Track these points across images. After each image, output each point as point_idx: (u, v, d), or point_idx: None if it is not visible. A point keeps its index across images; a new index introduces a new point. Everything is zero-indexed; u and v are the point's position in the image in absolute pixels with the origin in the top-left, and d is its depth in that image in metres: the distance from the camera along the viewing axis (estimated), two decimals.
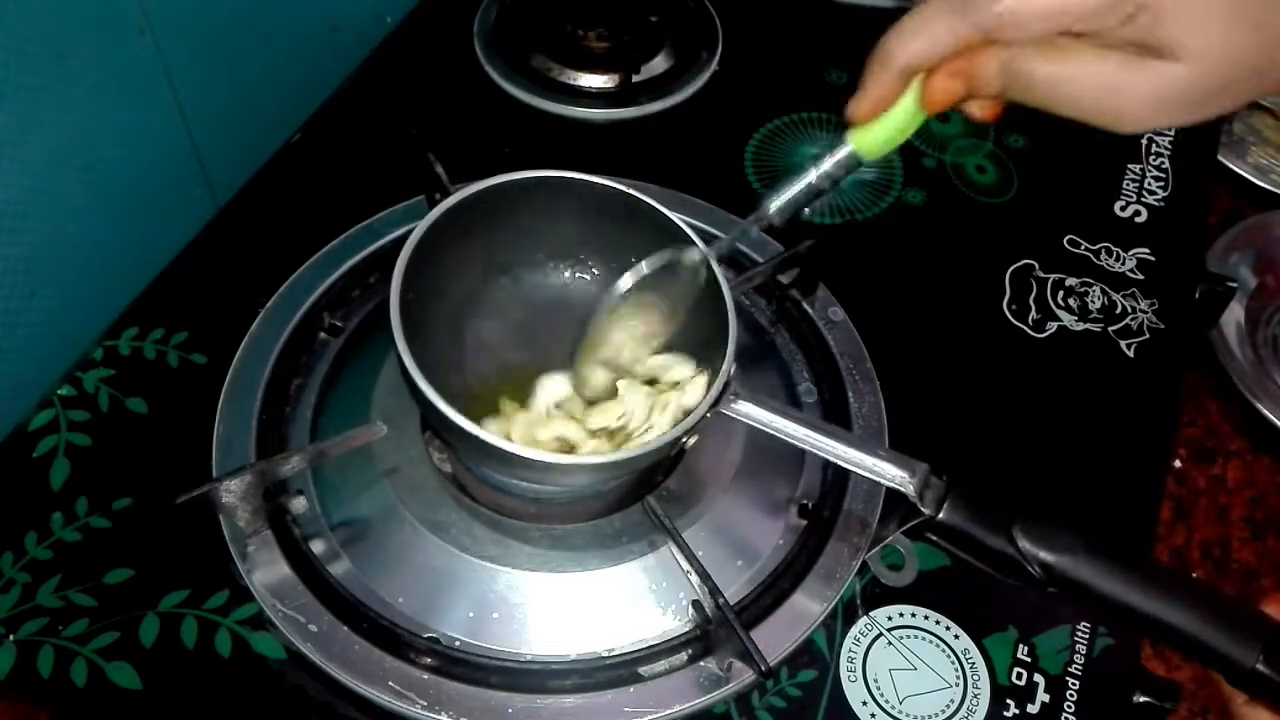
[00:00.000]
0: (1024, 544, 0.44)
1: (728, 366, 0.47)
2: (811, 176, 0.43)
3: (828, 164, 0.42)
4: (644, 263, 0.48)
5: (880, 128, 0.39)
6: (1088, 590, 0.44)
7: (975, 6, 0.34)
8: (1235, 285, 0.70)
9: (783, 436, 0.48)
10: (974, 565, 0.46)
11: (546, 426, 0.50)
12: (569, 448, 0.49)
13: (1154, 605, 0.43)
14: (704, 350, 0.51)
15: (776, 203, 0.44)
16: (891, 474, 0.47)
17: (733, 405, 0.48)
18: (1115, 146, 0.79)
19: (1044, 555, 0.44)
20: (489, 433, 0.43)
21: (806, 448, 0.48)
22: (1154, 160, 0.78)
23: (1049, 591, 0.44)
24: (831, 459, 0.48)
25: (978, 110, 0.38)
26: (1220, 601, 0.44)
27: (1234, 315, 0.72)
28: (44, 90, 0.53)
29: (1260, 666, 0.41)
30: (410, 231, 0.48)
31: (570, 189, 0.52)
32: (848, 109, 0.39)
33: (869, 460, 0.47)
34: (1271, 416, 0.66)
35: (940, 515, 0.46)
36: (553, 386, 0.52)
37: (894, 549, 0.54)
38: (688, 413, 0.47)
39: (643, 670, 0.49)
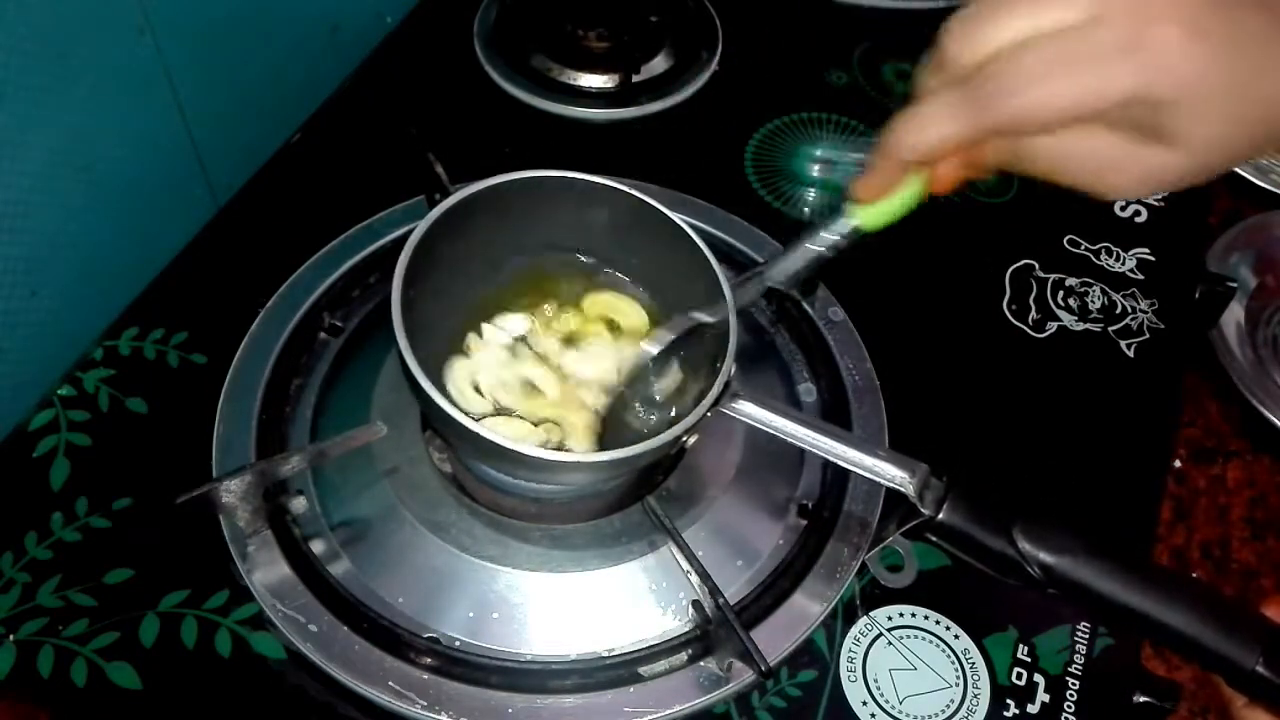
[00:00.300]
0: (1024, 545, 0.44)
1: (728, 366, 0.47)
2: (816, 247, 0.44)
3: (831, 236, 0.44)
4: (668, 329, 0.49)
5: (884, 207, 0.41)
6: (1087, 591, 0.44)
7: (989, 107, 0.34)
8: (1235, 285, 0.70)
9: (783, 436, 0.48)
10: (974, 566, 0.46)
11: (512, 366, 0.50)
12: (536, 394, 0.51)
13: (1154, 607, 0.43)
14: (704, 350, 0.51)
15: (780, 272, 0.46)
16: (891, 474, 0.47)
17: (733, 404, 0.48)
18: None
19: (1044, 556, 0.44)
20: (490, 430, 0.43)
21: (807, 447, 0.48)
22: None
23: (1049, 592, 0.44)
24: (831, 459, 0.48)
25: (975, 176, 0.40)
26: (1220, 603, 0.44)
27: (1234, 315, 0.72)
28: (44, 90, 0.53)
29: (1260, 669, 0.41)
30: (410, 231, 0.48)
31: (570, 189, 0.52)
32: (854, 189, 0.41)
33: (869, 460, 0.47)
34: (1271, 416, 0.66)
35: (940, 516, 0.46)
36: (513, 322, 0.52)
37: (894, 549, 0.54)
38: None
39: (643, 670, 0.49)
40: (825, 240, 0.44)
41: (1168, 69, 0.31)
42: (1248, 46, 0.32)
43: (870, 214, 0.41)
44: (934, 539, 0.47)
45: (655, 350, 0.48)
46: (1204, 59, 0.31)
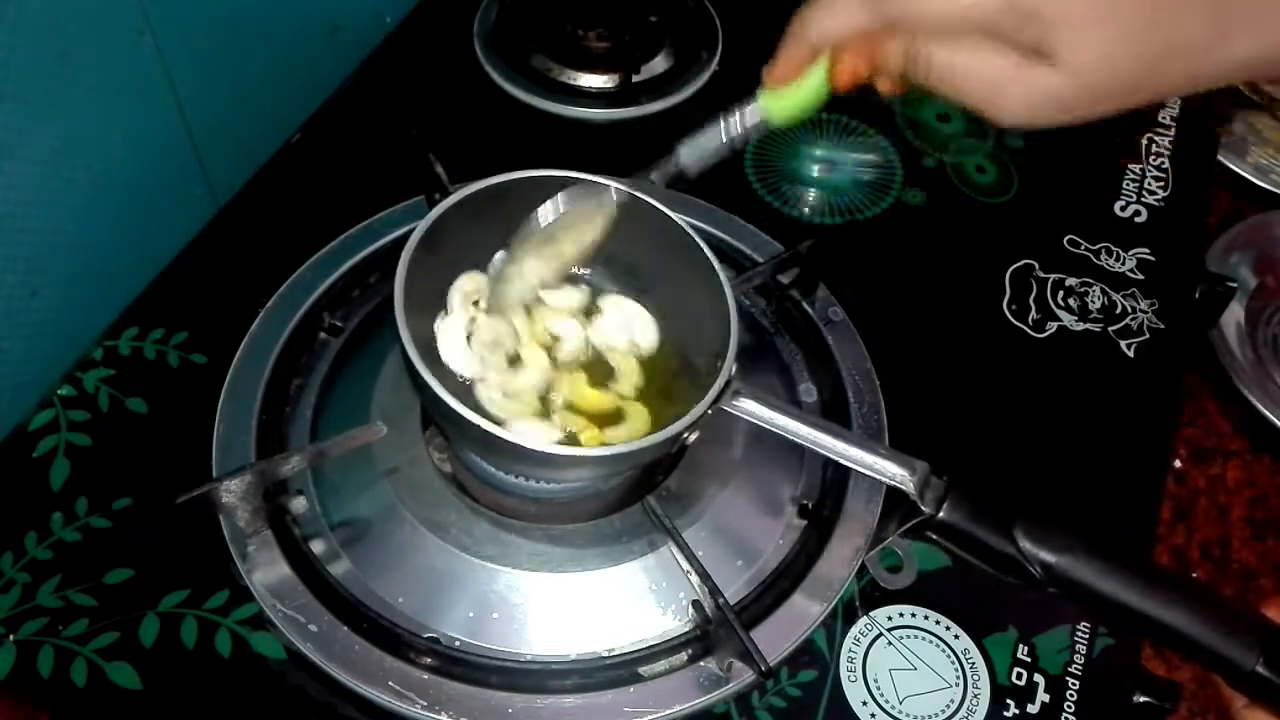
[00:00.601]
0: (1024, 543, 0.44)
1: (729, 365, 0.47)
2: (724, 133, 0.46)
3: (738, 123, 0.45)
4: (560, 198, 0.50)
5: (790, 96, 0.43)
6: (1087, 590, 0.44)
7: None
8: (1235, 285, 0.70)
9: (784, 434, 0.48)
10: (974, 565, 0.46)
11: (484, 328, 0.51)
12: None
13: (1154, 606, 0.43)
14: (705, 349, 0.51)
15: (688, 154, 0.47)
16: (892, 472, 0.47)
17: (735, 402, 0.48)
18: (1115, 146, 0.79)
19: (1044, 555, 0.44)
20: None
21: (808, 445, 0.48)
22: (1154, 160, 0.78)
23: (1049, 591, 0.44)
24: (833, 457, 0.48)
25: (883, 87, 0.41)
26: (1220, 603, 0.44)
27: (1234, 315, 0.72)
28: (44, 90, 0.53)
29: (1260, 669, 0.41)
30: (410, 231, 0.48)
31: (570, 189, 0.52)
32: (764, 72, 0.43)
33: (869, 458, 0.47)
34: (1271, 416, 0.66)
35: (940, 514, 0.46)
36: (466, 282, 0.53)
37: (893, 550, 0.54)
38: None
39: (643, 670, 0.49)
40: (733, 125, 0.45)
41: None
42: None
43: (777, 105, 0.43)
44: (934, 537, 0.47)
45: (546, 220, 0.50)
46: None
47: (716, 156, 0.46)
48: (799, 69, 0.42)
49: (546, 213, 0.50)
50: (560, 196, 0.50)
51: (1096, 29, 0.34)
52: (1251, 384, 0.68)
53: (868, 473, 0.48)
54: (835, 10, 0.39)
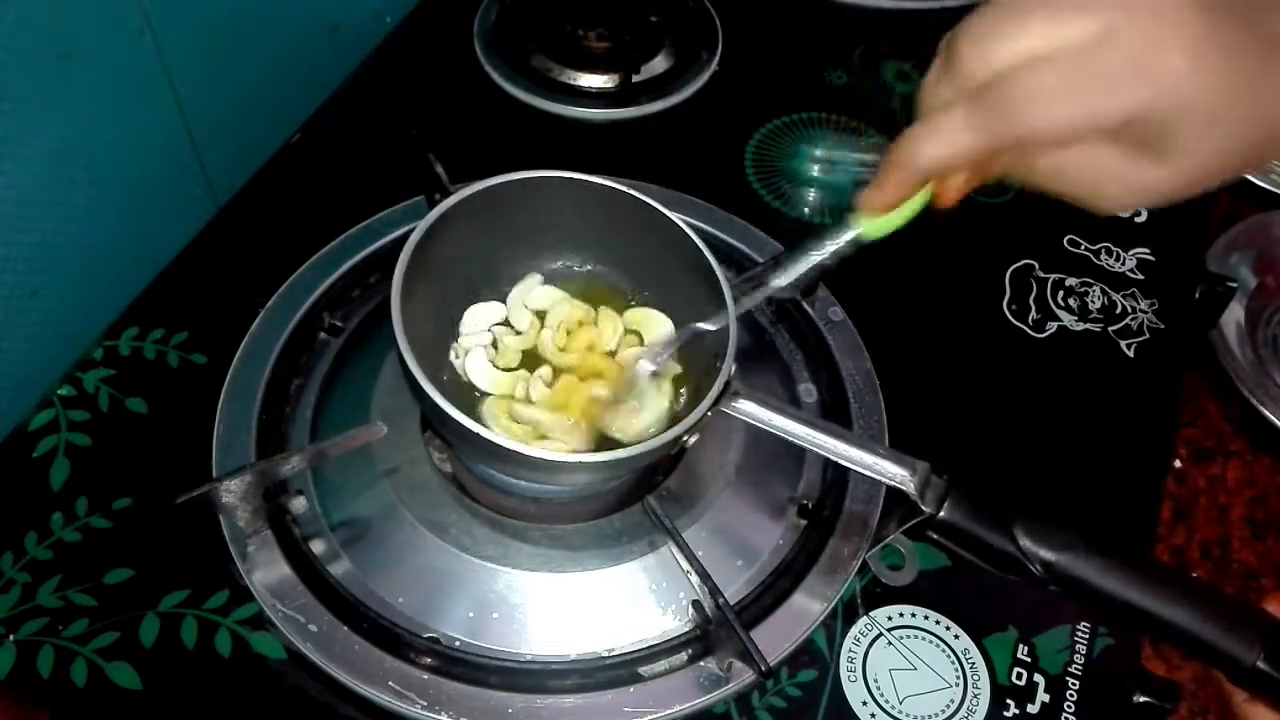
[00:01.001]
0: (1025, 542, 0.44)
1: (728, 365, 0.47)
2: (818, 255, 0.44)
3: (833, 244, 0.43)
4: (663, 346, 0.50)
5: (888, 220, 0.41)
6: (1088, 588, 0.44)
7: (1005, 122, 0.34)
8: (1235, 285, 0.70)
9: (784, 435, 0.48)
10: (975, 564, 0.46)
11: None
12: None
13: (1154, 602, 0.43)
14: (705, 350, 0.51)
15: (782, 279, 0.46)
16: (892, 472, 0.47)
17: (734, 404, 0.48)
18: None
19: (1044, 553, 0.44)
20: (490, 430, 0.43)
21: (808, 446, 0.48)
22: None
23: (1049, 589, 0.44)
24: (833, 457, 0.48)
25: (971, 186, 0.40)
26: (1221, 599, 0.44)
27: (1234, 315, 0.72)
28: (44, 90, 0.53)
29: (1261, 664, 0.41)
30: (410, 231, 0.48)
31: (570, 189, 0.52)
32: (862, 201, 0.41)
33: (870, 459, 0.47)
34: (1271, 416, 0.66)
35: (941, 513, 0.46)
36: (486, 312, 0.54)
37: (894, 549, 0.54)
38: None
39: (643, 670, 0.49)
40: (827, 248, 0.44)
41: (1173, 90, 0.32)
42: (1244, 72, 0.33)
43: (874, 224, 0.42)
44: (935, 536, 0.47)
45: (653, 368, 0.49)
46: (1206, 83, 0.32)
47: (808, 279, 0.46)
48: (905, 199, 0.40)
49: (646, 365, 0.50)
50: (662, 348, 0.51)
51: (1215, 128, 0.33)
52: (1251, 384, 0.68)
53: (868, 473, 0.48)
54: (944, 138, 0.36)
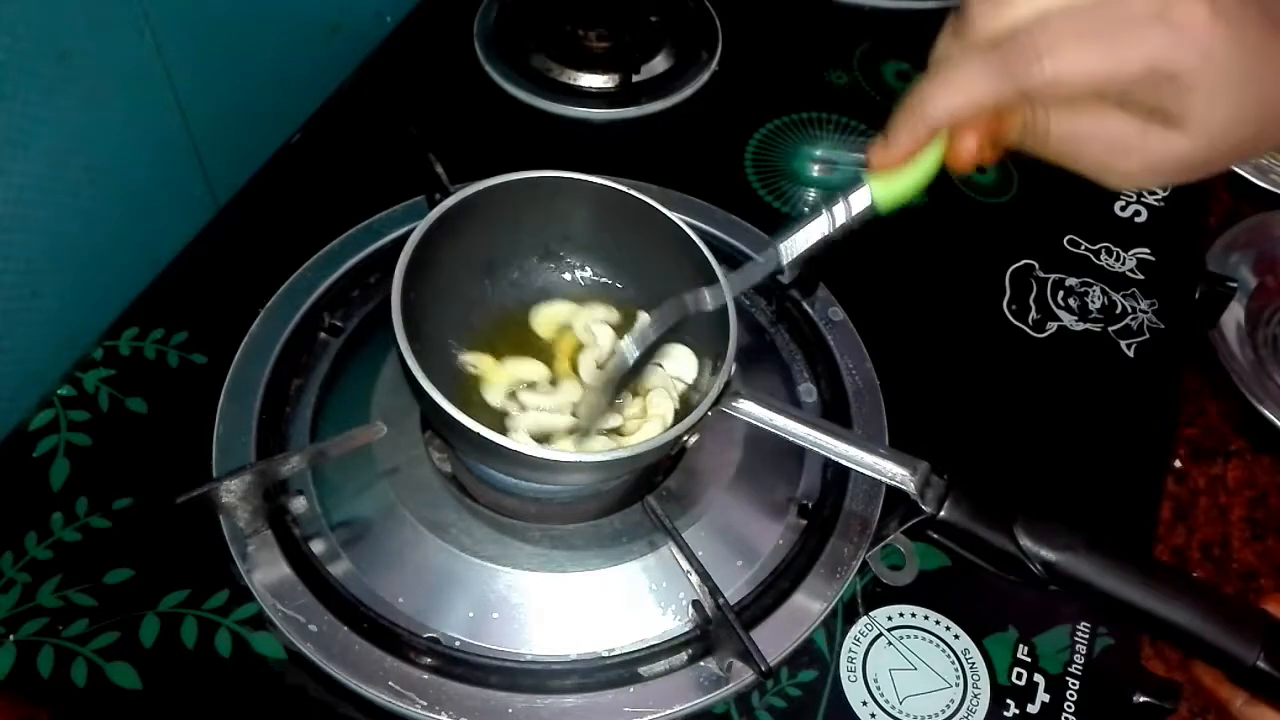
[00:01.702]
0: (1025, 541, 0.44)
1: (728, 365, 0.47)
2: (823, 230, 0.42)
3: (843, 212, 0.41)
4: (650, 327, 0.48)
5: (901, 179, 0.39)
6: (1088, 587, 0.44)
7: (1021, 69, 0.33)
8: (1235, 285, 0.70)
9: (784, 435, 0.48)
10: (975, 563, 0.46)
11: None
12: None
13: (1154, 602, 0.43)
14: (705, 350, 0.52)
15: (788, 252, 0.44)
16: (893, 472, 0.47)
17: (734, 404, 0.48)
18: None
19: (1045, 553, 0.44)
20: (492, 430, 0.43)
21: (808, 446, 0.48)
22: None
23: (1050, 589, 0.44)
24: (833, 457, 0.48)
25: (987, 156, 0.38)
26: (1220, 599, 0.44)
27: (1234, 315, 0.72)
28: (44, 90, 0.53)
29: (1260, 663, 0.41)
30: (410, 231, 0.48)
31: (570, 189, 0.52)
32: (871, 155, 0.39)
33: (870, 458, 0.47)
34: (1271, 416, 0.66)
35: (941, 513, 0.46)
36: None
37: (894, 549, 0.54)
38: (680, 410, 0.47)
39: (643, 670, 0.49)
40: (838, 216, 0.42)
41: (1191, 41, 0.32)
42: (1260, 37, 0.33)
43: (885, 187, 0.39)
44: (935, 536, 0.47)
45: (638, 352, 0.48)
46: (1223, 37, 0.32)
47: (818, 249, 0.43)
48: (916, 150, 0.37)
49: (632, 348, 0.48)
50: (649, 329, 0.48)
51: (1230, 93, 0.33)
52: (1251, 384, 0.68)
53: (868, 473, 0.48)
54: (960, 86, 0.35)
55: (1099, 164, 0.36)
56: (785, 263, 0.44)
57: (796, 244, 0.43)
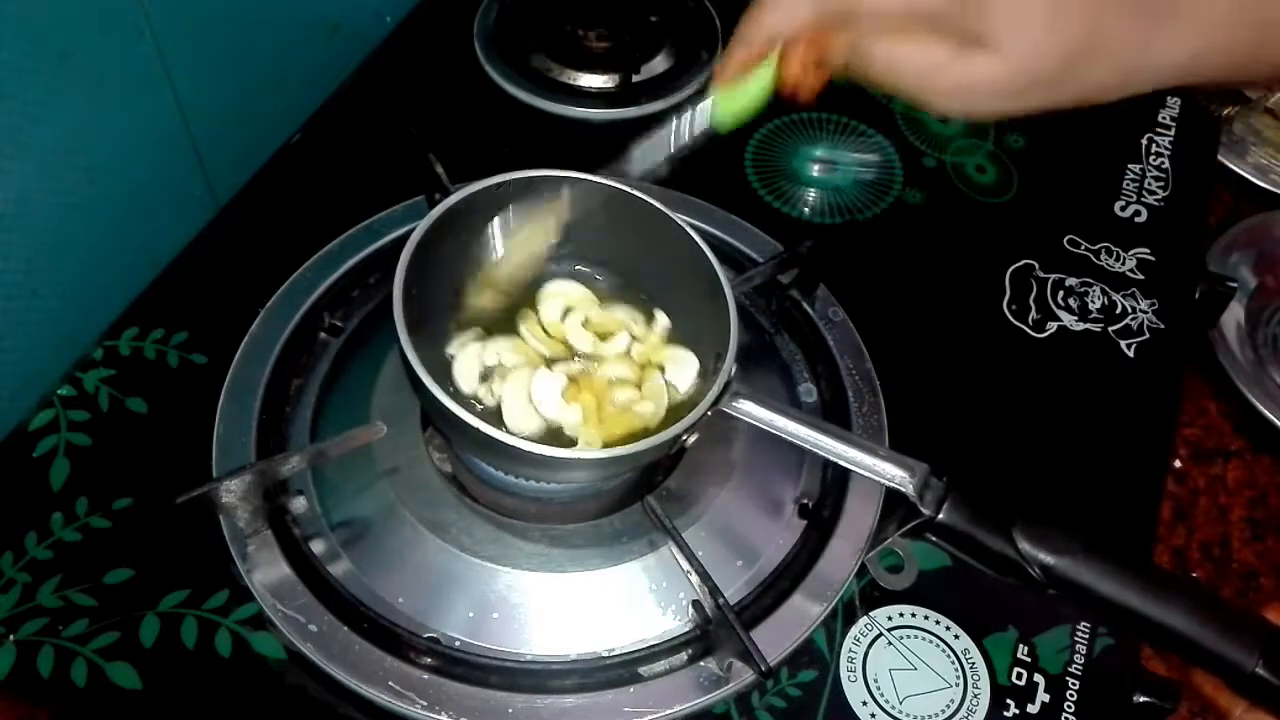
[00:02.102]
0: (1024, 545, 0.44)
1: (728, 366, 0.47)
2: (667, 148, 0.48)
3: (689, 124, 0.46)
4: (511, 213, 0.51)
5: (740, 95, 0.44)
6: (1087, 592, 0.44)
7: None
8: (1235, 285, 0.70)
9: (784, 435, 0.48)
10: (974, 565, 0.46)
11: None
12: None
13: (1153, 608, 0.43)
14: (705, 350, 0.51)
15: (638, 166, 0.49)
16: (892, 474, 0.47)
17: (734, 404, 0.48)
18: (1115, 146, 0.79)
19: (1043, 557, 0.44)
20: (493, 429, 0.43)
21: (807, 447, 0.48)
22: (1154, 160, 0.78)
23: (1048, 592, 0.44)
24: (832, 458, 0.48)
25: (821, 80, 0.43)
26: (1219, 605, 0.44)
27: (1234, 315, 0.72)
28: (44, 90, 0.53)
29: (1260, 670, 0.41)
30: (410, 231, 0.48)
31: (570, 189, 0.52)
32: (714, 71, 0.44)
33: (869, 460, 0.47)
34: (1271, 416, 0.66)
35: (940, 516, 0.46)
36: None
37: (894, 550, 0.54)
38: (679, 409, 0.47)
39: (643, 670, 0.49)
40: (684, 128, 0.46)
41: None
42: None
43: (727, 103, 0.44)
44: (934, 539, 0.47)
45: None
46: None
47: (666, 160, 0.48)
48: (749, 67, 0.43)
49: (498, 236, 0.52)
50: (511, 211, 0.51)
51: (1032, 15, 0.36)
52: (1251, 384, 0.68)
53: (867, 474, 0.48)
54: (784, 8, 0.41)
55: (916, 86, 0.39)
56: (637, 173, 0.49)
57: (649, 152, 0.49)
